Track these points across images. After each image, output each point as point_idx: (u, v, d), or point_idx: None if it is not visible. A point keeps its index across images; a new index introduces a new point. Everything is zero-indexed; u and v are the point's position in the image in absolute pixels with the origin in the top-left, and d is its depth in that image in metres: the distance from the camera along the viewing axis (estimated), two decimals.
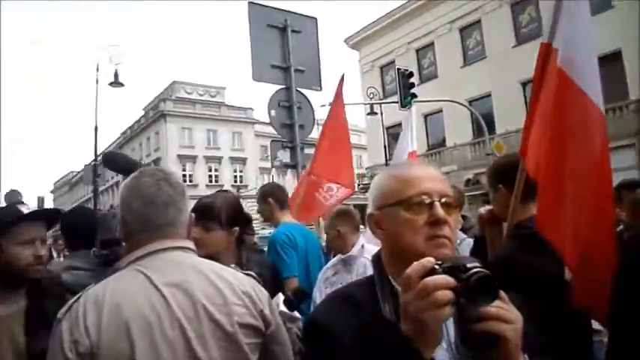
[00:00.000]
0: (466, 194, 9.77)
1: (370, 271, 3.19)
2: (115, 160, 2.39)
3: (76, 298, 1.31)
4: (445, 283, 0.91)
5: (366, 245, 3.29)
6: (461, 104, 19.23)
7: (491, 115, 22.04)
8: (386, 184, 1.23)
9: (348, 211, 3.48)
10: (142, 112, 52.17)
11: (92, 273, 2.16)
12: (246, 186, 46.81)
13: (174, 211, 1.46)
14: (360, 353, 1.04)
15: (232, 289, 1.41)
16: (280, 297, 2.10)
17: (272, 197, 3.62)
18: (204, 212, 2.25)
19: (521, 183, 2.03)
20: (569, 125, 1.98)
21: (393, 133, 25.67)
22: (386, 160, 23.27)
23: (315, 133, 6.49)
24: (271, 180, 45.61)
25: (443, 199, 1.15)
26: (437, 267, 0.95)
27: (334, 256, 3.51)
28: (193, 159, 45.60)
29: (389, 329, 1.01)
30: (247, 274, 1.58)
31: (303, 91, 6.40)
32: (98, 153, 19.09)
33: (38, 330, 1.81)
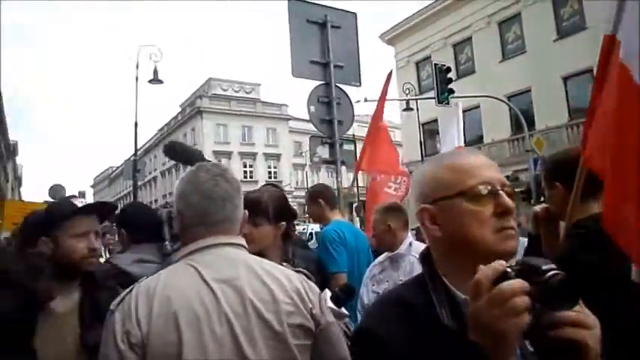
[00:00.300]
0: None
1: (417, 270, 3.16)
2: (176, 150, 2.41)
3: (128, 290, 1.33)
4: (522, 288, 0.83)
5: (414, 243, 3.25)
6: (499, 100, 18.84)
7: (531, 110, 21.51)
8: (441, 175, 1.13)
9: (399, 207, 3.45)
10: (179, 109, 53.08)
11: (159, 265, 2.19)
12: (280, 182, 47.12)
13: (230, 206, 1.47)
14: None
15: (282, 287, 1.40)
16: (327, 293, 2.09)
17: (322, 198, 3.67)
18: (252, 207, 2.25)
19: (581, 180, 1.96)
20: (630, 122, 1.89)
21: (429, 130, 25.41)
22: (422, 157, 23.03)
23: (352, 130, 6.48)
24: (305, 176, 46.14)
25: (505, 189, 1.09)
26: (509, 270, 0.87)
27: (379, 253, 3.49)
28: (228, 155, 46.15)
29: (455, 339, 0.94)
30: (298, 271, 1.56)
31: (342, 86, 6.38)
32: (137, 149, 19.51)
33: (92, 323, 1.84)
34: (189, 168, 1.54)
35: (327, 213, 3.65)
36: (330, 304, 2.03)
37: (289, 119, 49.95)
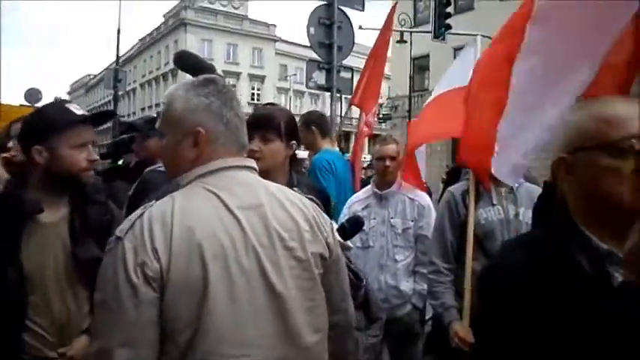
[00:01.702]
0: None
1: (409, 210, 3.10)
2: (186, 60, 2.24)
3: (138, 214, 1.17)
4: None
5: (403, 183, 3.20)
6: None
7: None
8: (583, 124, 1.06)
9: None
10: (163, 19, 50.88)
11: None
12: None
13: (246, 130, 1.36)
14: (574, 319, 0.94)
15: (303, 214, 1.32)
16: (334, 224, 2.02)
17: (315, 125, 3.56)
18: (264, 122, 2.13)
19: None
20: None
21: (419, 65, 24.94)
22: (409, 92, 22.77)
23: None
24: (289, 101, 45.51)
25: None
26: None
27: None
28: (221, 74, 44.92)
29: (595, 287, 0.92)
30: (310, 199, 1.47)
31: (345, 10, 6.10)
32: (119, 57, 18.77)
33: (82, 237, 1.77)
34: (194, 78, 1.38)
35: (319, 141, 3.57)
36: (336, 235, 1.97)
37: (277, 40, 48.48)
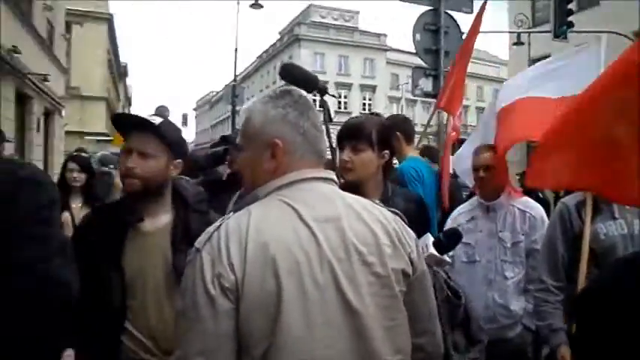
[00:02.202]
0: None
1: (519, 223, 2.83)
2: (291, 72, 2.28)
3: (216, 226, 1.18)
4: None
5: (512, 192, 2.95)
6: (624, 35, 16.82)
7: None
8: None
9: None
10: (278, 36, 53.08)
11: None
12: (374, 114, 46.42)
13: (324, 140, 1.36)
14: None
15: (383, 227, 1.25)
16: (429, 237, 1.91)
17: (399, 130, 3.31)
18: (354, 132, 2.09)
19: None
20: None
21: None
22: None
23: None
24: (400, 110, 45.11)
25: None
26: None
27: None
28: (324, 84, 45.90)
29: None
30: (393, 212, 1.38)
31: (452, 13, 5.88)
32: (237, 74, 19.88)
33: (183, 247, 1.78)
34: (274, 91, 1.37)
35: (404, 147, 3.32)
36: (432, 249, 1.86)
37: (387, 50, 48.38)
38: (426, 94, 5.89)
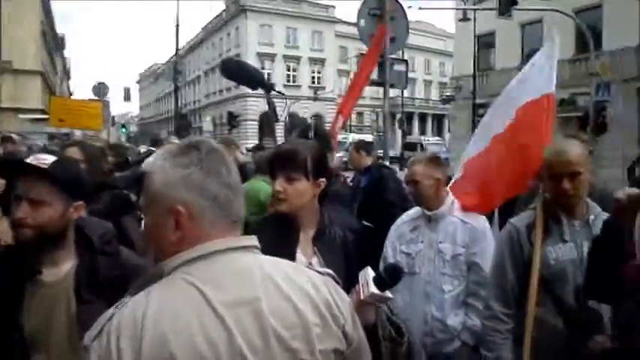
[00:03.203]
0: (558, 115, 8.78)
1: (460, 234, 2.75)
2: (232, 69, 2.07)
3: (107, 316, 1.01)
4: None
5: (456, 202, 2.85)
6: (565, 14, 17.23)
7: (599, 29, 19.70)
8: None
9: (440, 158, 3.01)
10: (224, 7, 51.54)
11: None
12: (323, 88, 46.25)
13: (241, 200, 1.13)
14: None
15: (310, 301, 1.09)
16: (370, 273, 1.76)
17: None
18: (287, 160, 1.92)
19: None
20: None
21: (484, 42, 23.82)
22: (474, 71, 21.81)
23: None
24: (349, 83, 45.16)
25: None
26: None
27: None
28: (272, 57, 45.16)
29: None
30: (324, 273, 1.22)
31: None
32: (180, 48, 19.16)
33: (88, 296, 1.62)
34: (185, 142, 1.16)
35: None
36: (373, 287, 1.72)
37: (336, 22, 47.96)
38: (372, 83, 5.76)
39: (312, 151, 1.94)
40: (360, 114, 49.69)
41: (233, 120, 11.67)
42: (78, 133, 14.82)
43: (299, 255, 1.85)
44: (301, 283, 1.11)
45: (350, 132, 36.35)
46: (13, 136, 9.53)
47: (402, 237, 2.87)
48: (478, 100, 21.85)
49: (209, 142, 1.16)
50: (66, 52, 50.14)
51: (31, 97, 25.11)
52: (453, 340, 2.66)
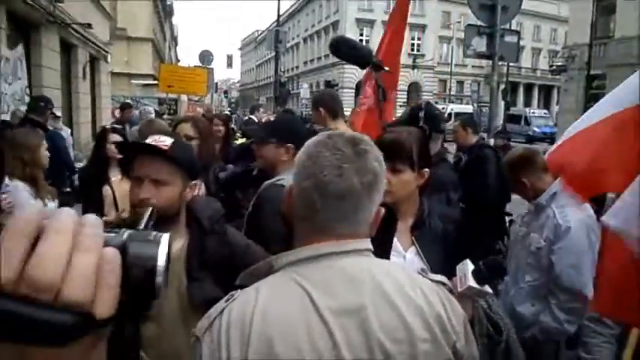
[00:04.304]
0: None
1: (547, 228, 2.55)
2: (341, 48, 2.07)
3: (219, 310, 1.05)
4: None
5: (560, 193, 2.62)
6: None
7: None
8: None
9: (530, 155, 2.79)
10: None
11: None
12: (423, 55, 44.93)
13: (350, 205, 1.07)
14: None
15: (420, 314, 1.04)
16: (469, 266, 1.68)
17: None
18: (393, 150, 1.87)
19: None
20: None
21: (604, 6, 21.74)
22: (590, 40, 20.04)
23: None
24: (450, 50, 43.35)
25: None
26: None
27: None
28: (371, 24, 44.41)
29: None
30: (437, 282, 1.16)
31: None
32: (280, 15, 19.41)
33: (199, 274, 1.70)
34: (319, 137, 1.14)
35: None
36: (471, 281, 1.65)
37: None
38: (480, 55, 5.47)
39: (418, 141, 1.89)
40: (460, 82, 47.81)
41: (330, 88, 11.68)
42: (183, 98, 15.67)
43: (396, 244, 1.80)
44: (413, 293, 1.06)
45: (450, 102, 35.21)
46: (130, 102, 10.29)
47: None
48: (593, 72, 20.14)
49: (338, 138, 1.13)
50: (174, 19, 52.64)
51: (143, 63, 26.68)
52: (520, 330, 2.55)
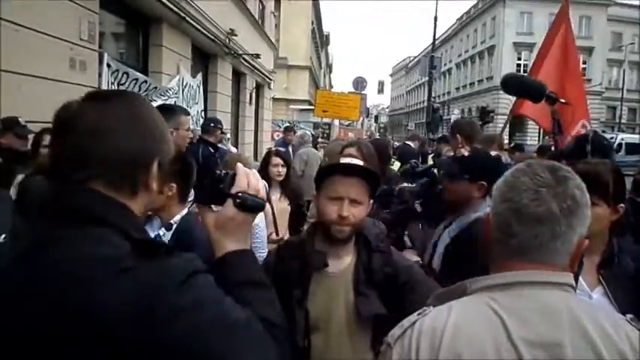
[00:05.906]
0: None
1: None
2: (508, 84, 2.13)
3: (411, 321, 1.08)
4: None
5: None
6: None
7: None
8: None
9: None
10: None
11: None
12: (589, 80, 41.43)
13: (549, 230, 1.04)
14: None
15: (621, 357, 0.98)
16: None
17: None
18: (587, 181, 1.80)
19: None
20: None
21: None
22: None
23: None
24: (621, 74, 39.41)
25: None
26: None
27: None
28: (530, 47, 42.11)
29: None
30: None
31: None
32: (435, 40, 19.42)
33: (365, 289, 1.77)
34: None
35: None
36: None
37: (609, 5, 42.23)
38: None
39: (614, 174, 1.80)
40: (632, 110, 43.17)
41: (486, 115, 11.16)
42: (335, 122, 16.34)
43: (581, 283, 1.68)
44: (617, 338, 0.99)
45: (619, 131, 31.95)
46: (294, 127, 11.11)
47: None
48: None
49: (537, 166, 1.12)
50: (329, 48, 55.13)
51: (300, 90, 28.40)
52: None
